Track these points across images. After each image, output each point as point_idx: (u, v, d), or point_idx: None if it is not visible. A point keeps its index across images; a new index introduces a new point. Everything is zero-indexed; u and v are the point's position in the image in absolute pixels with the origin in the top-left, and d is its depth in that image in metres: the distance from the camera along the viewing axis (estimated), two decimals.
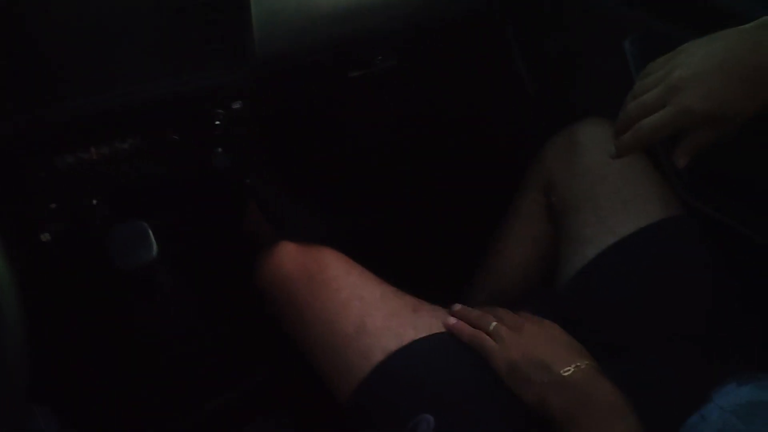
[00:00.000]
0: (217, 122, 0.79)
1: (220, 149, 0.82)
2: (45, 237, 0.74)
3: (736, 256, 0.79)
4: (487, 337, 0.69)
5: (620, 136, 0.65)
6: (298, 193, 1.16)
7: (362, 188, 1.24)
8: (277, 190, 1.09)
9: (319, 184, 1.21)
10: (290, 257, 0.80)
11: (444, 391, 0.67)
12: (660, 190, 0.82)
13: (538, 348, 0.66)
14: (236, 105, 0.80)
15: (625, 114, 0.65)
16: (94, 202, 0.76)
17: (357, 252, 0.81)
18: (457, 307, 0.74)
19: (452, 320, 0.71)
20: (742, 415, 0.59)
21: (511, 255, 0.97)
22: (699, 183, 0.84)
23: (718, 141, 0.62)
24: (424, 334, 0.71)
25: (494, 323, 0.70)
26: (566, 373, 0.63)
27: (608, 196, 0.81)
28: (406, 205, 1.25)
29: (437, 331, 0.71)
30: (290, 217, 1.11)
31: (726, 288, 0.77)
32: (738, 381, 0.64)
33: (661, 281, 0.76)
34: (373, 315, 0.72)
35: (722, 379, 0.67)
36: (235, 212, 1.05)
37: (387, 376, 0.68)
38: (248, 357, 1.02)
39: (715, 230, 0.81)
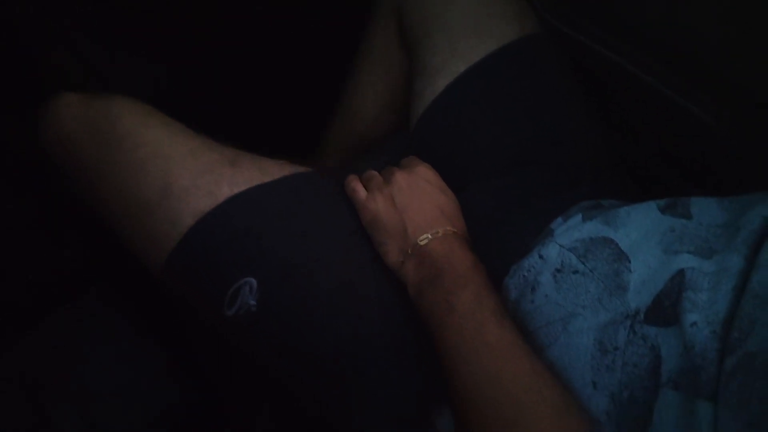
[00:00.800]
0: None
1: None
2: None
3: (595, 77, 0.75)
4: (360, 184, 0.64)
5: None
6: (114, 32, 0.96)
7: (186, 26, 1.06)
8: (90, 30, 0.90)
9: (137, 20, 1.01)
10: (71, 111, 0.66)
11: (267, 250, 0.59)
12: (516, 8, 0.75)
13: (403, 205, 0.61)
14: None
15: None
16: None
17: (184, 105, 0.68)
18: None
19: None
20: (581, 253, 0.56)
21: (364, 93, 0.88)
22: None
23: None
24: (243, 189, 0.62)
25: (371, 171, 0.65)
26: (422, 242, 0.58)
27: (459, 18, 0.73)
28: (244, 45, 1.09)
29: (260, 183, 0.63)
30: (105, 60, 0.93)
31: (580, 112, 0.73)
32: (584, 213, 0.61)
33: (511, 106, 0.72)
34: (179, 174, 0.61)
35: (568, 208, 0.64)
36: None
37: (199, 241, 0.60)
38: None
39: (574, 50, 0.76)
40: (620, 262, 0.54)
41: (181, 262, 0.60)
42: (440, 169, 0.66)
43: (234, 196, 0.61)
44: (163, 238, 0.61)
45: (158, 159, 0.62)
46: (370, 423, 0.56)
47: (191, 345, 0.71)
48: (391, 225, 0.60)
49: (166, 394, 0.73)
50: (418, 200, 0.61)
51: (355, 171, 0.68)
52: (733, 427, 0.41)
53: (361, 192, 0.63)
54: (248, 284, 0.58)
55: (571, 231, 0.58)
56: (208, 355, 0.68)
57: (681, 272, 0.49)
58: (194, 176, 0.61)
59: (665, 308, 0.49)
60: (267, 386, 0.60)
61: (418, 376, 0.57)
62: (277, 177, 0.63)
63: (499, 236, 0.64)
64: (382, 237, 0.61)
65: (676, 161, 0.77)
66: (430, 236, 0.58)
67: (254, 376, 0.60)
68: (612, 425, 0.48)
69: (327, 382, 0.57)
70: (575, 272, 0.55)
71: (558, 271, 0.56)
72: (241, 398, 0.67)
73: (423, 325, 0.55)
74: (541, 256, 0.58)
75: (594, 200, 0.65)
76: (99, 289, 0.81)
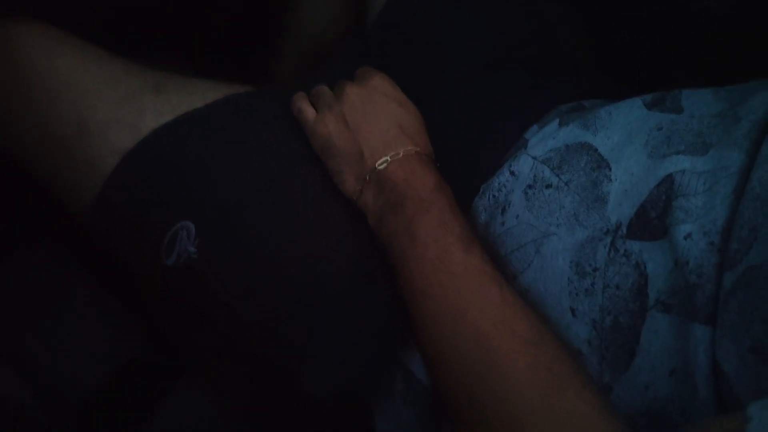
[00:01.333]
0: None
1: None
2: None
3: None
4: (307, 104, 0.56)
5: None
6: None
7: None
8: None
9: None
10: None
11: (202, 189, 0.52)
12: None
13: (357, 124, 0.53)
14: None
15: None
16: None
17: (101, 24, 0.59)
18: None
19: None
20: (556, 164, 0.49)
21: None
22: None
23: None
24: (170, 118, 0.54)
25: (322, 87, 0.57)
26: (381, 166, 0.51)
27: None
28: None
29: (190, 110, 0.54)
30: None
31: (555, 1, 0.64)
32: (561, 118, 0.54)
33: (479, 3, 0.63)
34: (95, 107, 0.53)
35: (545, 114, 0.56)
36: None
37: (124, 183, 0.52)
38: None
39: None
40: (599, 171, 0.47)
41: (107, 209, 0.53)
42: (400, 78, 0.58)
43: (159, 128, 0.53)
44: (85, 182, 0.53)
45: (70, 91, 0.54)
46: (331, 367, 0.51)
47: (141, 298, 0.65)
48: (346, 150, 0.53)
49: (126, 348, 0.68)
50: (374, 117, 0.54)
51: (305, 87, 0.60)
52: (733, 351, 0.36)
53: (309, 112, 0.55)
54: (185, 229, 0.51)
55: (546, 140, 0.51)
56: (156, 308, 0.62)
57: (669, 177, 0.43)
58: (113, 108, 0.54)
59: (651, 220, 0.43)
60: (219, 339, 0.54)
61: (382, 314, 0.52)
62: (210, 101, 0.55)
63: (469, 152, 0.56)
64: (337, 164, 0.53)
65: (668, 50, 0.68)
66: (389, 159, 0.51)
67: (204, 329, 0.55)
68: (595, 355, 0.43)
69: (283, 329, 0.51)
70: (548, 187, 0.49)
71: (530, 187, 0.50)
72: (196, 353, 0.62)
73: (384, 257, 0.49)
74: (512, 172, 0.51)
75: (575, 102, 0.57)
76: (50, 243, 0.74)
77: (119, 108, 0.53)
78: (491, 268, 0.45)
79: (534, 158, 0.50)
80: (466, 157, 0.56)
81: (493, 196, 0.52)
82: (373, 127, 0.53)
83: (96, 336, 0.68)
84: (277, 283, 0.51)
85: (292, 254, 0.51)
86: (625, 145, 0.47)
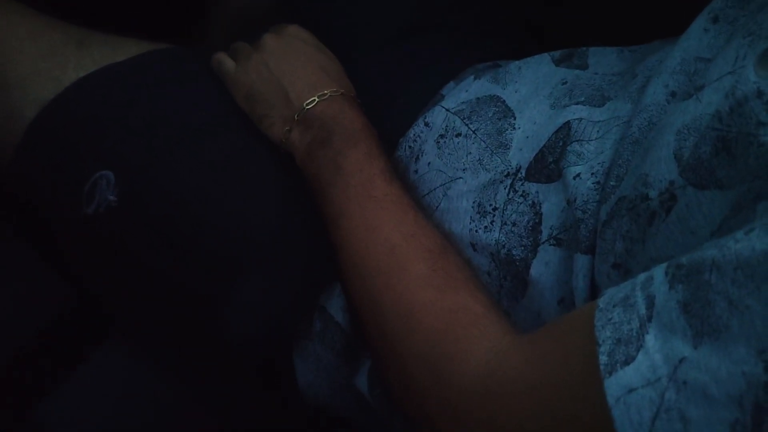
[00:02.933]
0: None
1: None
2: None
3: None
4: (226, 57, 0.57)
5: None
6: None
7: None
8: None
9: None
10: None
11: (122, 139, 0.53)
12: None
13: (280, 69, 0.54)
14: None
15: None
16: None
17: None
18: None
19: None
20: (466, 115, 0.52)
21: None
22: None
23: None
24: (90, 71, 0.55)
25: (239, 42, 0.58)
26: (309, 106, 0.52)
27: None
28: None
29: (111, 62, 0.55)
30: None
31: None
32: (476, 74, 0.56)
33: None
34: (17, 61, 0.54)
35: (462, 71, 0.59)
36: None
37: (44, 134, 0.53)
38: None
39: None
40: (505, 120, 0.50)
41: (27, 159, 0.54)
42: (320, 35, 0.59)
43: (80, 80, 0.54)
44: (5, 134, 0.54)
45: None
46: (253, 312, 0.53)
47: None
48: (271, 94, 0.54)
49: (51, 308, 0.68)
50: (297, 61, 0.55)
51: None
52: (603, 271, 0.40)
53: (228, 64, 0.57)
54: (104, 178, 0.52)
55: (459, 93, 0.54)
56: (78, 262, 0.62)
57: (567, 124, 0.46)
58: (35, 61, 0.54)
59: (548, 164, 0.46)
60: (141, 289, 0.55)
61: (303, 258, 0.54)
62: (133, 55, 0.56)
63: (388, 109, 0.58)
64: (263, 109, 0.55)
65: (577, 10, 0.71)
66: (316, 99, 0.53)
67: (126, 279, 0.56)
68: (494, 285, 0.47)
69: (204, 276, 0.53)
70: (458, 135, 0.51)
71: (441, 136, 0.52)
72: (119, 306, 0.63)
73: (309, 193, 0.51)
74: (426, 124, 0.54)
75: (491, 61, 0.60)
76: None
77: (41, 61, 0.54)
78: (410, 199, 0.48)
79: (447, 110, 0.53)
80: (384, 113, 0.58)
81: (409, 146, 0.54)
82: (296, 69, 0.54)
83: (19, 295, 0.68)
84: (198, 230, 0.52)
85: (214, 202, 0.53)
86: (532, 96, 0.50)
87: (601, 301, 0.32)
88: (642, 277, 0.32)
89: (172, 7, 0.81)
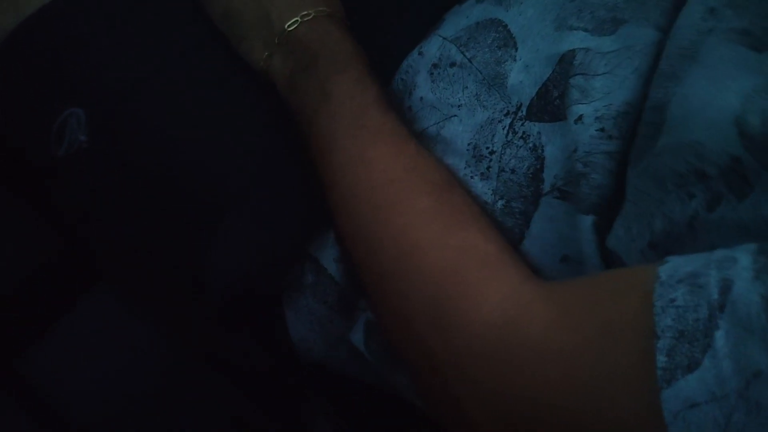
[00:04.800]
0: None
1: None
2: None
3: None
4: None
5: None
6: None
7: None
8: None
9: None
10: None
11: (91, 72, 0.48)
12: None
13: None
14: None
15: None
16: None
17: None
18: None
19: None
20: (463, 42, 0.46)
21: None
22: None
23: None
24: None
25: None
26: (291, 28, 0.47)
27: None
28: None
29: None
30: None
31: None
32: None
33: None
34: None
35: None
36: None
37: (6, 68, 0.49)
38: None
39: None
40: (504, 50, 0.44)
41: None
42: None
43: (44, 7, 0.49)
44: None
45: None
46: (239, 260, 0.49)
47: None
48: (249, 13, 0.49)
49: (44, 248, 0.65)
50: None
51: None
52: (633, 247, 0.34)
53: None
54: (74, 116, 0.48)
55: (459, 18, 0.48)
56: (58, 204, 0.59)
57: (571, 53, 0.40)
58: None
59: (553, 99, 0.40)
60: (119, 236, 0.52)
61: (291, 200, 0.49)
62: None
63: (384, 39, 0.53)
64: (240, 30, 0.49)
65: None
66: (299, 19, 0.47)
67: (105, 226, 0.52)
68: None
69: (184, 222, 0.49)
70: (452, 65, 0.46)
71: (435, 66, 0.47)
72: (101, 253, 0.59)
73: (294, 125, 0.47)
74: (420, 53, 0.48)
75: None
76: None
77: None
78: (406, 127, 0.43)
79: (444, 38, 0.47)
80: (382, 45, 0.53)
81: (402, 79, 0.49)
82: None
83: (4, 241, 0.65)
84: (175, 172, 0.48)
85: (192, 141, 0.48)
86: (537, 20, 0.44)
87: (663, 271, 0.27)
88: (719, 254, 0.26)
89: None
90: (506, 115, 0.42)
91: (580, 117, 0.38)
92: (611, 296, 0.29)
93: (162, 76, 0.49)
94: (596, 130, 0.37)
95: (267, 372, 0.58)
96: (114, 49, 0.49)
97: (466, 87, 0.44)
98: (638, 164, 0.35)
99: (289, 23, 0.47)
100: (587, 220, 0.36)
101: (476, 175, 0.42)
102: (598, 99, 0.38)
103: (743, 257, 0.25)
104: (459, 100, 0.45)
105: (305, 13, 0.47)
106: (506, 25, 0.45)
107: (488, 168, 0.42)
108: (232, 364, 0.59)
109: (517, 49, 0.44)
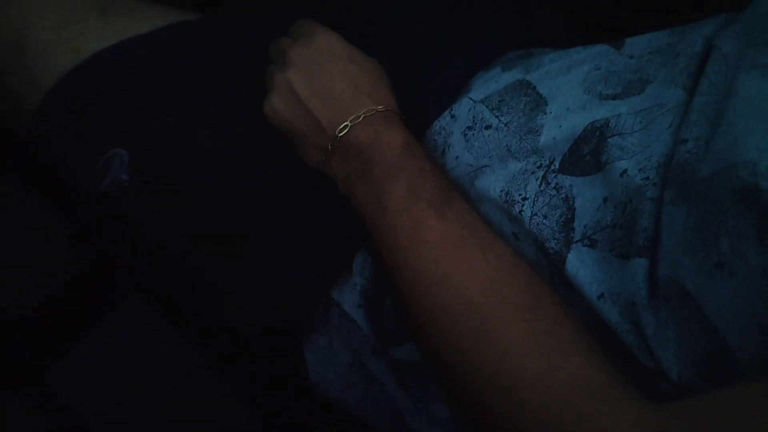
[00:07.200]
0: None
1: None
2: None
3: None
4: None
5: None
6: None
7: None
8: None
9: None
10: None
11: (139, 117, 0.51)
12: None
13: (307, 94, 0.49)
14: None
15: None
16: None
17: None
18: None
19: None
20: (494, 105, 0.48)
21: None
22: None
23: None
24: (114, 42, 0.52)
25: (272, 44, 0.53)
26: (342, 134, 0.48)
27: None
28: None
29: (134, 35, 0.53)
30: None
31: None
32: (505, 64, 0.52)
33: None
34: (37, 26, 0.53)
35: (493, 59, 0.54)
36: None
37: (61, 105, 0.52)
38: None
39: None
40: (537, 110, 0.46)
41: (43, 130, 0.53)
42: (342, 25, 0.54)
43: (101, 51, 0.52)
44: (22, 102, 0.53)
45: (11, 7, 0.53)
46: (262, 300, 0.50)
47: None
48: (301, 125, 0.49)
49: (68, 264, 0.68)
50: (325, 81, 0.50)
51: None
52: (693, 269, 0.35)
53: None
54: (118, 156, 0.51)
55: (489, 83, 0.50)
56: (93, 230, 0.62)
57: (605, 121, 0.43)
58: (56, 28, 0.53)
59: (584, 156, 0.42)
60: (151, 269, 0.54)
61: (316, 249, 0.51)
62: (158, 26, 0.54)
63: (414, 99, 0.54)
64: (295, 139, 0.50)
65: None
66: (349, 124, 0.48)
67: (136, 255, 0.54)
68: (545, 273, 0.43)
69: (214, 263, 0.51)
70: (488, 128, 0.48)
71: (469, 128, 0.49)
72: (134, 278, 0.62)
73: (359, 225, 0.47)
74: (452, 115, 0.50)
75: (524, 49, 0.55)
76: None
77: (63, 29, 0.52)
78: (469, 232, 0.43)
79: (474, 100, 0.49)
80: (411, 105, 0.54)
81: (433, 139, 0.51)
82: (325, 92, 0.49)
83: (36, 256, 0.67)
84: (208, 217, 0.51)
85: (226, 189, 0.51)
86: (564, 82, 0.46)
87: None
88: None
89: None
90: (539, 167, 0.44)
91: (624, 171, 0.40)
92: (754, 412, 0.28)
93: (202, 125, 0.51)
94: (641, 180, 0.39)
95: (284, 404, 0.60)
96: (161, 98, 0.52)
97: (501, 145, 0.46)
98: (688, 202, 0.36)
99: (340, 129, 0.48)
100: (642, 263, 0.38)
101: (510, 218, 0.44)
102: (638, 153, 0.40)
103: None
104: (490, 152, 0.47)
105: (354, 116, 0.48)
106: (534, 87, 0.47)
107: (520, 212, 0.43)
108: (253, 394, 0.61)
109: (547, 104, 0.46)
